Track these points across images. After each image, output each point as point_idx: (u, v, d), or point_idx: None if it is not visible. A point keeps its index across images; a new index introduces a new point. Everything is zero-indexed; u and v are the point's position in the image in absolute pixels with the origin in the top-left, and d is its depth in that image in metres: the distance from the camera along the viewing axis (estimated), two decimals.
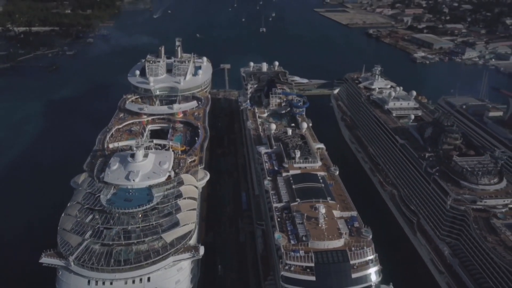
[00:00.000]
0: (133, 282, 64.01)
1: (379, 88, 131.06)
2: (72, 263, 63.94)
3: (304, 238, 62.96)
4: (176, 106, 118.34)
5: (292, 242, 63.45)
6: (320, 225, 64.81)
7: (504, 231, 71.60)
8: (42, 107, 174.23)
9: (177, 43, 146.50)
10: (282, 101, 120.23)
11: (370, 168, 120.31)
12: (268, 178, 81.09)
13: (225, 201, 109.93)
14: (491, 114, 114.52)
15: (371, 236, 64.45)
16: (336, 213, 69.10)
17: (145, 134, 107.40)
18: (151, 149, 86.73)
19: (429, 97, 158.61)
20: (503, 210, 76.09)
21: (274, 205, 72.46)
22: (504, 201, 77.14)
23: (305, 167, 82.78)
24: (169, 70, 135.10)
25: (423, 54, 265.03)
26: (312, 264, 59.70)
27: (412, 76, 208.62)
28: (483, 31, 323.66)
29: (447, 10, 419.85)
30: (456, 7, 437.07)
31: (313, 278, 58.92)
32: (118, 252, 65.41)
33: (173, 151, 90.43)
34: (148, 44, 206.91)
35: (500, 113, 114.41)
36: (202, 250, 69.21)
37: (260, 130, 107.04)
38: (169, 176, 79.48)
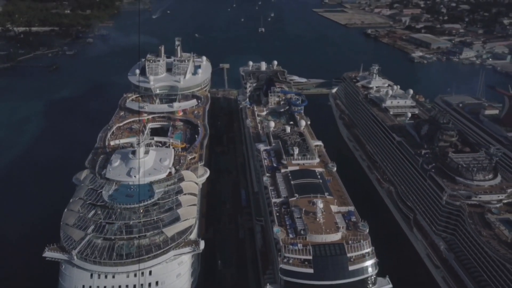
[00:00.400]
0: (135, 275, 65.24)
1: (376, 87, 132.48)
2: (75, 257, 65.19)
3: (302, 232, 64.45)
4: (176, 105, 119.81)
5: (291, 235, 64.92)
6: (318, 219, 66.31)
7: (498, 225, 72.95)
8: (42, 106, 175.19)
9: (177, 43, 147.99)
10: (280, 99, 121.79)
11: (367, 166, 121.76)
12: (267, 174, 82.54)
13: (225, 198, 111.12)
14: (487, 112, 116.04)
15: (367, 230, 65.91)
16: (334, 207, 70.63)
17: (145, 132, 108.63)
18: (152, 146, 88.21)
19: (426, 96, 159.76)
20: (498, 205, 77.48)
21: (273, 200, 73.93)
22: (498, 196, 78.52)
23: (303, 164, 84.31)
24: (169, 69, 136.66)
25: (421, 53, 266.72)
26: (310, 257, 61.14)
27: (410, 75, 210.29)
28: (480, 31, 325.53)
29: (445, 10, 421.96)
30: (454, 7, 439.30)
31: (311, 270, 60.30)
32: (120, 246, 66.77)
33: (173, 148, 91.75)
34: (147, 44, 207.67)
35: (496, 111, 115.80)
36: (202, 244, 70.61)
37: (259, 128, 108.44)
38: (170, 172, 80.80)
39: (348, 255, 61.59)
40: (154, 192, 74.58)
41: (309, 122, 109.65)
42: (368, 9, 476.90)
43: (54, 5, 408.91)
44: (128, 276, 65.20)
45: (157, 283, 66.05)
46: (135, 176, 76.80)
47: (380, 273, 64.56)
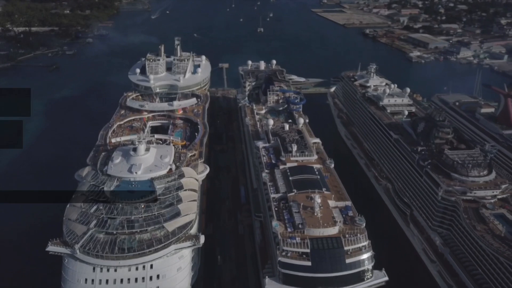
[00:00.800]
0: (137, 269, 66.66)
1: (374, 86, 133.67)
2: (77, 251, 66.49)
3: (300, 226, 65.98)
4: (176, 103, 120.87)
5: (289, 229, 66.46)
6: (315, 214, 67.80)
7: (492, 220, 74.47)
8: (43, 106, 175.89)
9: (176, 42, 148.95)
10: (279, 98, 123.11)
11: (365, 163, 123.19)
12: (266, 170, 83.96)
13: (224, 195, 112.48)
14: (483, 110, 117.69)
15: (364, 224, 67.36)
16: (331, 202, 72.15)
17: (145, 130, 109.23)
18: (153, 143, 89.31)
19: (424, 95, 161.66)
20: (492, 200, 79.00)
21: (272, 195, 75.42)
22: (493, 192, 79.97)
23: (302, 160, 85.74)
24: (168, 68, 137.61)
25: (418, 53, 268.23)
26: (308, 250, 62.75)
27: (407, 74, 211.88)
28: (478, 31, 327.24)
29: (443, 10, 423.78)
30: (451, 8, 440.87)
31: (308, 263, 61.94)
32: (122, 241, 67.98)
33: (173, 145, 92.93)
34: (147, 44, 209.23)
35: (491, 110, 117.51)
36: (202, 238, 71.93)
37: (258, 126, 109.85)
38: (170, 169, 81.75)
39: (345, 248, 63.20)
40: (155, 188, 75.75)
41: (307, 120, 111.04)
42: (367, 9, 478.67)
43: (53, 5, 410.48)
44: (129, 270, 66.50)
45: (158, 276, 67.27)
46: (136, 173, 77.95)
47: (377, 267, 66.14)
